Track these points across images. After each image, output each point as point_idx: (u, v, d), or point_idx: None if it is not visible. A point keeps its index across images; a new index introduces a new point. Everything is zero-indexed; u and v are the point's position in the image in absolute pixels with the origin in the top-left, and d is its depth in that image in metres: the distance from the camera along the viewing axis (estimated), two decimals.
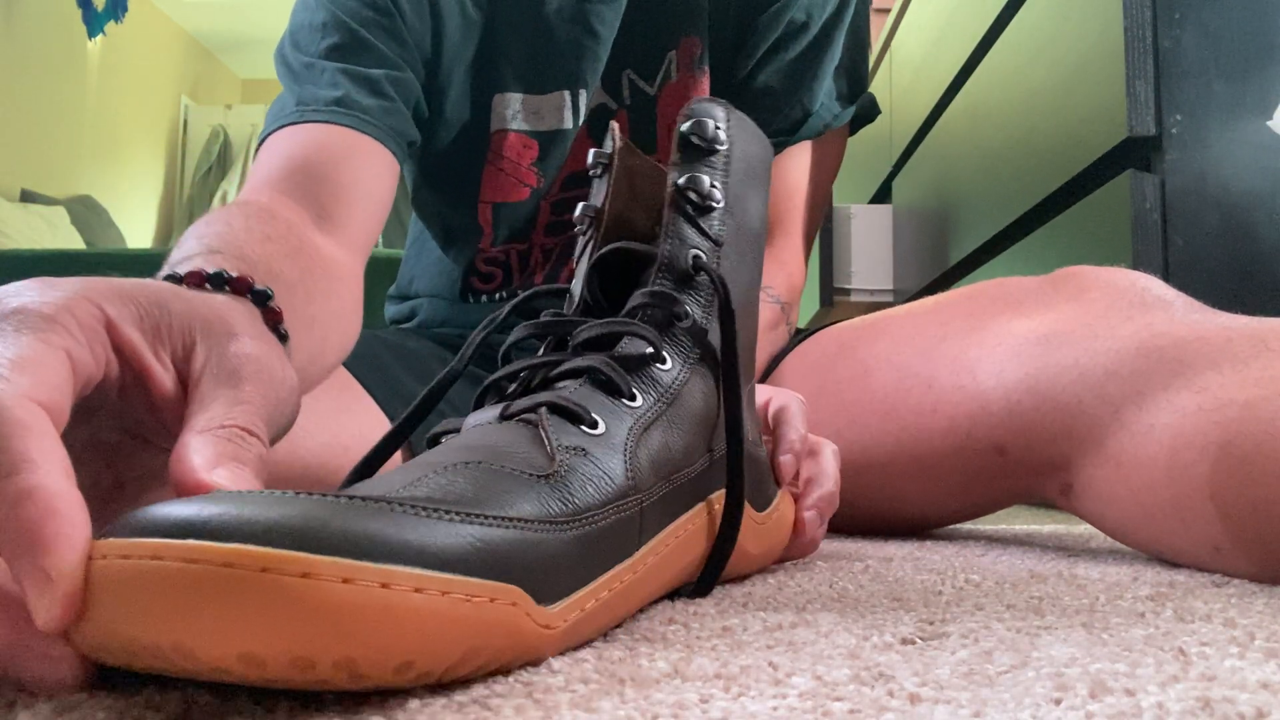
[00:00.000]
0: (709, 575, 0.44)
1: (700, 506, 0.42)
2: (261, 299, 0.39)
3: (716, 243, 0.45)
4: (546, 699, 0.26)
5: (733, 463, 0.43)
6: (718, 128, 0.47)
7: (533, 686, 0.27)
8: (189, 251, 0.44)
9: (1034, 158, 1.19)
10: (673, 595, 0.44)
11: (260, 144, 0.74)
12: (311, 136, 0.71)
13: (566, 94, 0.87)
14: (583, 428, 0.36)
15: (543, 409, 0.36)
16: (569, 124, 0.87)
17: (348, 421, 0.72)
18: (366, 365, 0.78)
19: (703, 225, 0.45)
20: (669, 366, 0.42)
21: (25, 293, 0.30)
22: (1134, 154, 0.97)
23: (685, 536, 0.41)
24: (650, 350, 0.42)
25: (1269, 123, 0.93)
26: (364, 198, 0.71)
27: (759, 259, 0.50)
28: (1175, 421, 0.52)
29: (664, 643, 0.33)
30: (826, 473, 0.59)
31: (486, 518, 0.28)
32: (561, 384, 0.39)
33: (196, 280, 0.38)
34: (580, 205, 0.46)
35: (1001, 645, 0.33)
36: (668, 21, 0.87)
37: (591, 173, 0.47)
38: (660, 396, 0.41)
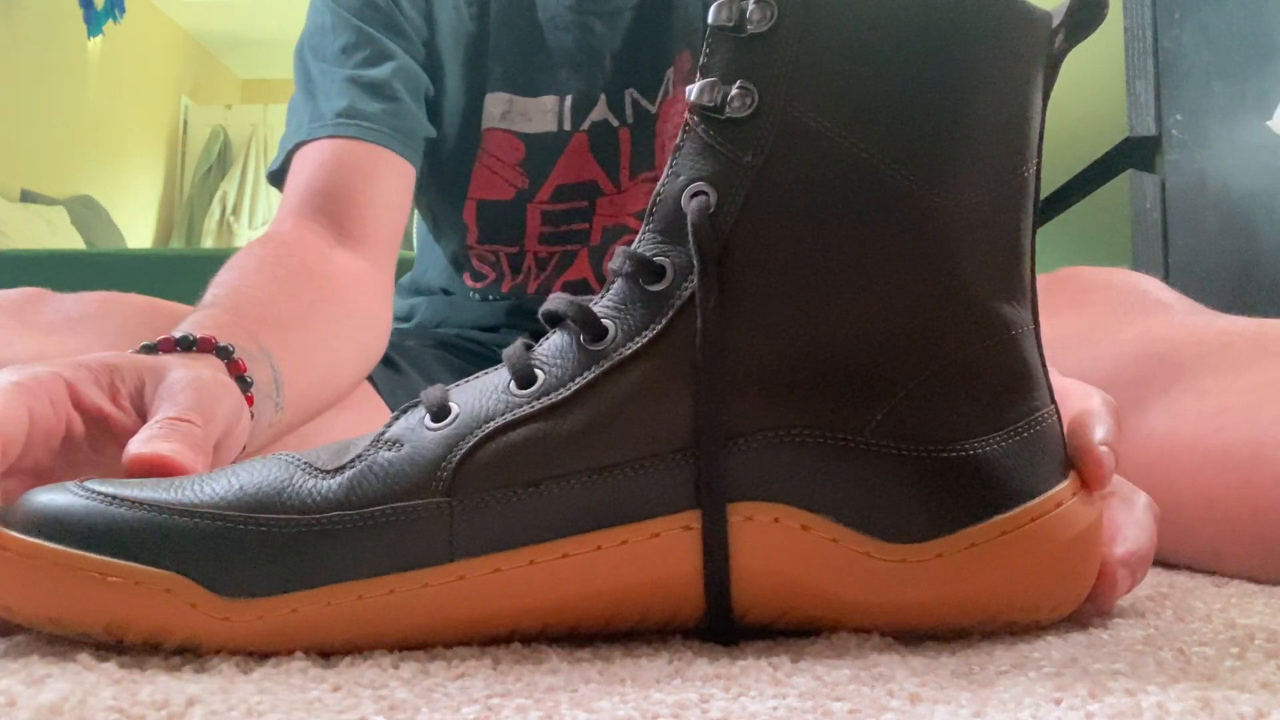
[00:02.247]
0: (711, 614, 0.33)
1: (656, 522, 0.32)
2: (224, 354, 0.48)
3: (742, 169, 0.33)
4: (547, 699, 0.26)
5: (707, 464, 0.32)
6: (759, 2, 0.33)
7: (534, 686, 0.27)
8: (200, 303, 0.55)
9: None
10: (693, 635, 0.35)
11: (287, 156, 0.78)
12: (324, 155, 0.75)
13: (555, 99, 0.87)
14: (426, 420, 0.33)
15: (419, 402, 0.35)
16: (555, 127, 0.88)
17: (355, 418, 0.73)
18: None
19: (721, 144, 0.34)
20: (601, 346, 0.33)
21: (8, 371, 0.38)
22: (1134, 154, 0.97)
23: (601, 555, 0.32)
24: (577, 330, 0.34)
25: (1269, 123, 0.93)
26: (379, 205, 0.75)
27: (930, 172, 0.33)
28: (1174, 426, 0.52)
29: (664, 643, 0.33)
30: (1142, 523, 0.40)
31: (158, 506, 0.31)
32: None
33: (168, 346, 0.46)
34: None
35: (1001, 645, 0.33)
36: (666, 39, 0.88)
37: None
38: (561, 383, 0.33)
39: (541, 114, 0.87)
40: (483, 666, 0.30)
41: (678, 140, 0.35)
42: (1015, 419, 0.34)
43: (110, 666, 0.29)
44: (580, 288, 0.88)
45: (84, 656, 0.30)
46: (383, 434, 0.33)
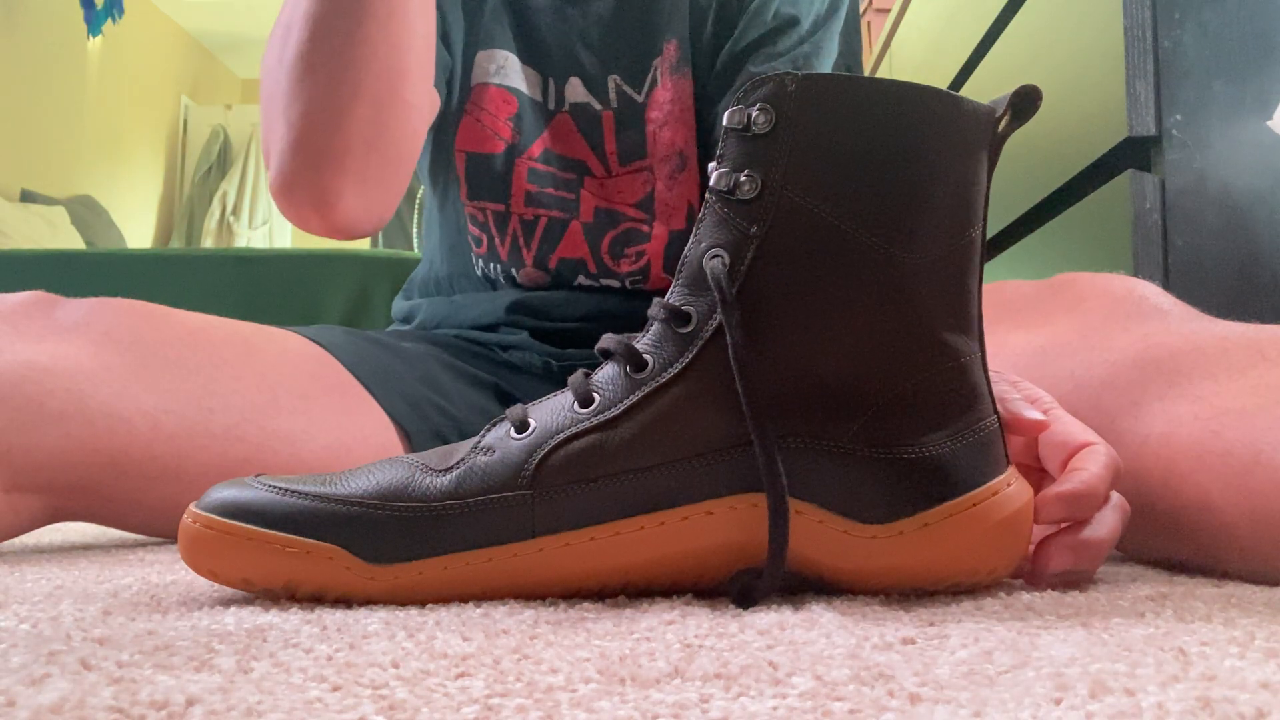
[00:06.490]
0: (739, 583, 0.41)
1: (685, 509, 0.41)
2: None
3: (749, 238, 0.42)
4: (547, 699, 0.26)
5: (769, 472, 0.40)
6: (761, 109, 0.42)
7: (534, 686, 0.27)
8: None
9: (1034, 158, 1.19)
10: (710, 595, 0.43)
11: None
12: None
13: (538, 76, 0.90)
14: (511, 431, 0.43)
15: (505, 418, 0.44)
16: (541, 99, 0.90)
17: (349, 424, 0.72)
18: (366, 366, 0.79)
19: (733, 218, 0.42)
20: (643, 375, 0.42)
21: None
22: (1134, 154, 0.97)
23: (644, 533, 0.41)
24: (624, 362, 0.43)
25: (1269, 123, 0.93)
26: None
27: (890, 232, 0.42)
28: (1171, 431, 0.52)
29: (664, 643, 0.33)
30: (1105, 520, 0.47)
31: (321, 497, 0.41)
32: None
33: None
34: None
35: (1001, 645, 0.33)
36: (652, 29, 0.88)
37: None
38: (613, 404, 0.42)
39: (530, 81, 0.90)
40: (483, 666, 0.30)
41: (701, 214, 0.43)
42: (963, 427, 0.42)
43: (110, 666, 0.29)
44: (578, 267, 0.90)
45: (83, 656, 0.30)
46: (479, 443, 0.43)
